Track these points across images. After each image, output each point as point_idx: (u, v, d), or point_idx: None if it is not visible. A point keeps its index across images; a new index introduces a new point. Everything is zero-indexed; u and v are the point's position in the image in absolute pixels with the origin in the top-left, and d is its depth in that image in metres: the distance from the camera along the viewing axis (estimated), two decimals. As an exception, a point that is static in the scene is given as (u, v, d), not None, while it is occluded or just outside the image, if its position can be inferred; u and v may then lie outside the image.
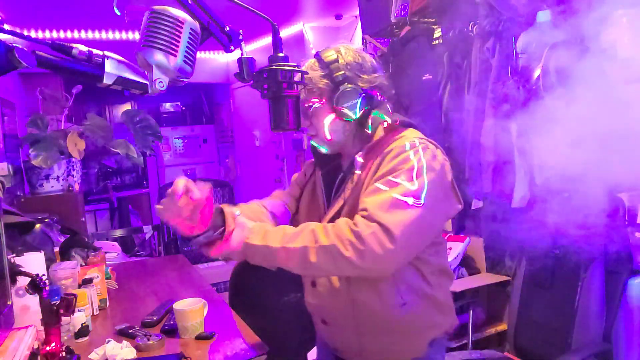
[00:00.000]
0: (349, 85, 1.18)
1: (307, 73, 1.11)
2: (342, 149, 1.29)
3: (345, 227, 1.03)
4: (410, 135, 1.17)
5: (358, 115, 1.19)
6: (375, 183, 1.10)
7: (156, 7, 0.79)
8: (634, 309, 1.65)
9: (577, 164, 2.03)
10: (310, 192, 1.39)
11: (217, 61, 5.11)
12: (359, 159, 1.21)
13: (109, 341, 1.32)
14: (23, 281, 1.24)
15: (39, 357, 1.09)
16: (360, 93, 1.19)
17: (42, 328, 1.12)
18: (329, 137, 1.23)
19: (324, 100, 1.20)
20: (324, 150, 1.28)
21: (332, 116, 1.21)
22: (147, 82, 0.79)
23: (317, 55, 1.23)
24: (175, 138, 5.77)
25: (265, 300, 1.91)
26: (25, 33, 3.66)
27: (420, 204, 1.03)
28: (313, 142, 1.30)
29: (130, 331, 1.44)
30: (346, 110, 1.18)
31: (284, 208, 1.41)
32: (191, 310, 1.41)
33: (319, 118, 1.22)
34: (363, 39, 2.99)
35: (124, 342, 1.33)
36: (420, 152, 1.10)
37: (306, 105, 1.21)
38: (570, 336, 1.61)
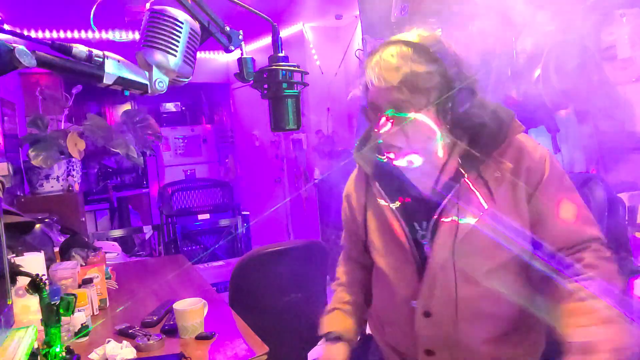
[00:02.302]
0: (464, 82, 0.97)
1: (307, 73, 1.02)
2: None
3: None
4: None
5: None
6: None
7: (156, 7, 0.78)
8: (634, 309, 1.65)
9: (576, 163, 2.03)
10: (379, 222, 1.14)
11: (217, 61, 5.11)
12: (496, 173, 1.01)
13: (109, 341, 1.32)
14: (23, 281, 1.24)
15: (39, 357, 1.09)
16: (472, 92, 0.98)
17: (42, 328, 1.12)
18: (423, 146, 1.01)
19: (430, 101, 0.97)
20: (407, 167, 1.04)
21: (433, 122, 0.99)
22: (147, 82, 0.79)
23: (414, 44, 0.97)
24: (175, 138, 5.76)
25: (265, 300, 1.91)
26: (25, 33, 3.66)
27: None
28: (398, 162, 1.04)
29: (130, 331, 1.44)
30: (460, 114, 0.97)
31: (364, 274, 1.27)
32: (191, 310, 1.41)
33: (421, 124, 0.98)
34: (363, 39, 2.99)
35: (124, 342, 1.33)
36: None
37: (400, 105, 0.97)
38: (570, 336, 1.61)
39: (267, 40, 4.20)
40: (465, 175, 1.02)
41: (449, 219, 1.03)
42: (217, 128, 6.09)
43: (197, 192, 4.72)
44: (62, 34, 3.86)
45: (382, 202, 1.12)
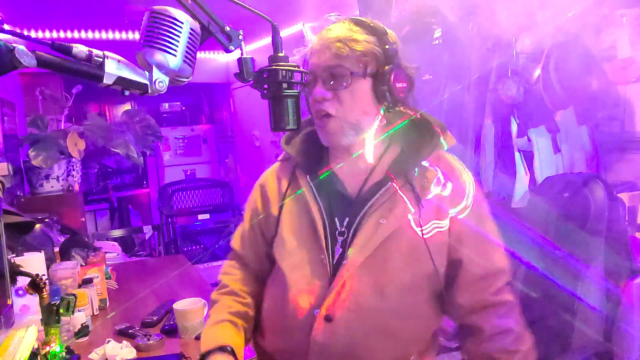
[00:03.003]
0: (402, 65, 0.99)
1: (307, 73, 1.03)
2: (356, 147, 1.03)
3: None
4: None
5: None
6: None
7: (156, 7, 0.78)
8: (634, 309, 1.65)
9: (576, 163, 2.04)
10: (297, 214, 1.07)
11: (217, 61, 5.11)
12: (431, 168, 1.01)
13: (109, 341, 1.32)
14: (23, 281, 1.24)
15: (39, 357, 1.09)
16: (411, 77, 1.00)
17: (42, 328, 1.12)
18: (359, 120, 1.00)
19: (368, 71, 0.98)
20: (339, 140, 1.01)
21: (370, 94, 0.99)
22: (147, 82, 0.79)
23: (355, 19, 1.01)
24: (175, 138, 5.76)
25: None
26: (25, 33, 3.66)
27: None
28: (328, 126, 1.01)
29: (130, 331, 1.45)
30: (397, 93, 0.97)
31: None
32: (191, 310, 1.41)
33: (356, 92, 0.99)
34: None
35: (124, 342, 1.33)
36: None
37: (337, 71, 0.98)
38: (570, 336, 1.61)
39: (267, 40, 4.20)
40: (394, 178, 1.00)
41: (373, 222, 1.00)
42: (217, 128, 6.09)
43: (197, 192, 4.73)
44: (62, 34, 3.86)
45: (308, 193, 1.05)
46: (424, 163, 1.02)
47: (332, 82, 0.99)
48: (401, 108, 1.04)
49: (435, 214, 1.00)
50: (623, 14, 1.77)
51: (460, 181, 1.03)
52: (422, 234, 0.98)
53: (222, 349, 1.01)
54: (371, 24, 1.01)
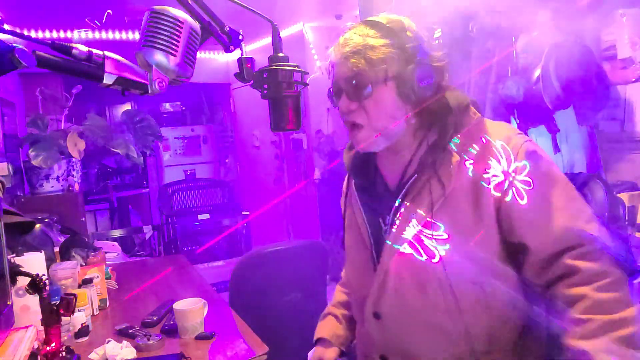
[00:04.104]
0: (426, 59, 0.97)
1: (307, 73, 1.02)
2: (393, 146, 1.03)
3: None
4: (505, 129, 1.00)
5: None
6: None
7: (156, 7, 0.78)
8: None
9: (576, 163, 2.04)
10: (351, 216, 1.13)
11: (217, 61, 5.11)
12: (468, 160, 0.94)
13: (109, 341, 1.32)
14: (23, 281, 1.24)
15: (39, 357, 1.09)
16: (435, 71, 0.97)
17: (42, 328, 1.12)
18: (386, 125, 0.99)
19: (389, 75, 0.96)
20: (369, 147, 1.02)
21: (395, 98, 0.98)
22: (147, 82, 0.79)
23: (371, 21, 1.00)
24: (175, 138, 5.76)
25: (265, 300, 1.91)
26: (25, 33, 3.66)
27: None
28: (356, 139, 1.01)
29: (130, 331, 1.44)
30: (423, 91, 0.95)
31: None
32: (191, 310, 1.41)
33: (380, 99, 0.97)
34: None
35: (124, 342, 1.33)
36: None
37: (357, 81, 0.97)
38: (570, 336, 1.61)
39: (267, 40, 4.20)
40: (422, 170, 0.98)
41: (402, 218, 0.98)
42: (217, 128, 6.09)
43: (197, 192, 4.72)
44: (62, 34, 3.86)
45: (354, 199, 1.11)
46: (452, 146, 0.96)
47: (355, 93, 0.98)
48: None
49: (471, 195, 0.93)
50: (623, 14, 1.77)
51: (493, 155, 0.94)
52: (453, 227, 0.93)
53: (319, 341, 1.22)
54: (387, 25, 0.98)
